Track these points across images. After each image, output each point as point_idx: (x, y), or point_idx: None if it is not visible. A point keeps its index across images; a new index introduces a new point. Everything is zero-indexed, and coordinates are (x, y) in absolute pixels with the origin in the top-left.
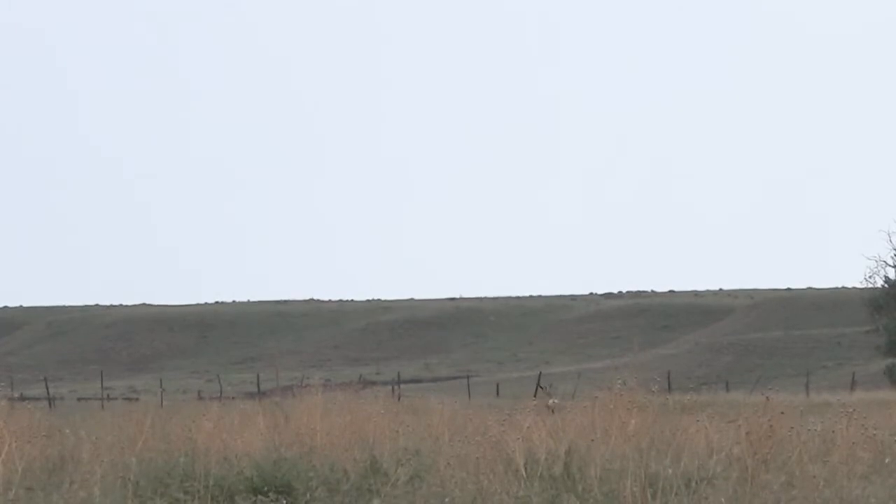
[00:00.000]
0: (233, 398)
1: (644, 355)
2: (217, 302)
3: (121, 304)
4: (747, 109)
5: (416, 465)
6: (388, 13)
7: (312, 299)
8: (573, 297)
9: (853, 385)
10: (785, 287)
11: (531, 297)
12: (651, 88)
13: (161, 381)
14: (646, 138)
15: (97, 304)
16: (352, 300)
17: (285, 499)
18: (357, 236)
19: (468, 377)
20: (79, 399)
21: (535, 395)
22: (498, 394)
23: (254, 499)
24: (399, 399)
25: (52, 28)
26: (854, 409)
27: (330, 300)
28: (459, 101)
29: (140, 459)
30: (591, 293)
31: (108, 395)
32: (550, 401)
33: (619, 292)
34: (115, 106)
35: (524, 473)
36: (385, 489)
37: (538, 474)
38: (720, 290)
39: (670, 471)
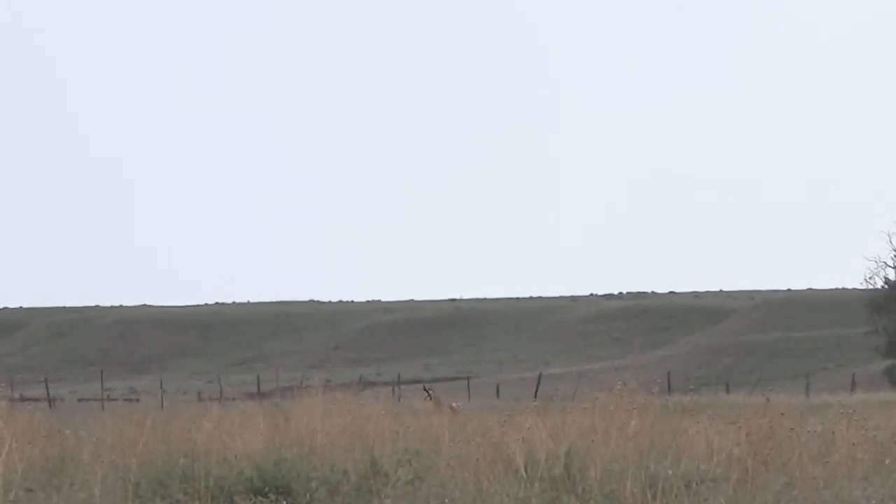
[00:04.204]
0: (233, 399)
1: (644, 356)
2: (217, 302)
3: (121, 305)
4: (747, 109)
5: (416, 465)
6: (388, 13)
7: (312, 299)
8: (573, 298)
9: (853, 386)
10: (785, 288)
11: (531, 298)
12: (651, 88)
13: (161, 382)
14: (646, 138)
15: (97, 305)
16: (352, 300)
17: (285, 499)
18: (357, 236)
19: (468, 378)
20: (79, 400)
21: (535, 396)
22: (498, 395)
23: (254, 499)
24: (399, 400)
25: (52, 28)
26: (854, 411)
27: (330, 300)
28: (459, 101)
29: (140, 460)
30: (592, 294)
31: (108, 396)
32: (454, 403)
33: (620, 293)
34: (114, 106)
35: (524, 474)
36: (385, 490)
37: (538, 475)
38: (720, 291)
39: (670, 472)
